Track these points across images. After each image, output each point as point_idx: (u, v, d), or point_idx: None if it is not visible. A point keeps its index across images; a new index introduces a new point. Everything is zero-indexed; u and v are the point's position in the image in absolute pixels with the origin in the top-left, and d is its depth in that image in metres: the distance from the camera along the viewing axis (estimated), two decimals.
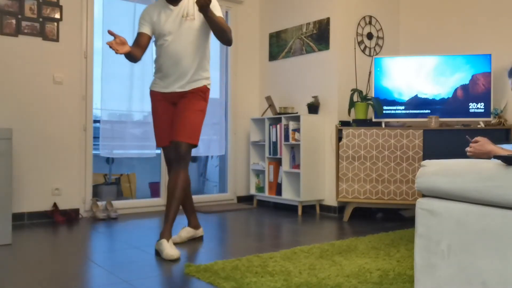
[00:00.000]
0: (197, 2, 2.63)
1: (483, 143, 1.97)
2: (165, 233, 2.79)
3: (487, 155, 2.01)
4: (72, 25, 4.06)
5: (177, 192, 2.85)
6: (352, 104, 4.08)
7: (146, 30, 2.95)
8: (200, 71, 2.98)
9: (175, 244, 2.96)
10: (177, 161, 2.89)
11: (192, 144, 2.90)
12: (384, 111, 4.02)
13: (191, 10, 2.92)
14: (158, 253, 2.75)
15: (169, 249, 2.67)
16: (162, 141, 3.05)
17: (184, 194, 2.99)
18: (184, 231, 3.14)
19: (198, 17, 2.92)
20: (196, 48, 2.94)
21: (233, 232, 3.53)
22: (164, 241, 2.74)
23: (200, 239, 3.22)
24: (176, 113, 2.96)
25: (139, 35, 2.96)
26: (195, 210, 3.24)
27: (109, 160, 5.48)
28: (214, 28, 2.83)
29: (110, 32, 2.68)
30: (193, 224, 3.21)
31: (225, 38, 2.88)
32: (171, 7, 2.93)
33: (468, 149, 2.04)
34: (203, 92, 2.99)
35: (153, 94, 3.05)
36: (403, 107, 4.06)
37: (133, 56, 2.87)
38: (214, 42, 5.02)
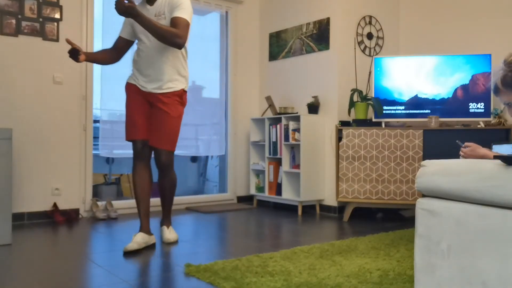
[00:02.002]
0: (117, 7, 2.60)
1: (474, 148, 1.96)
2: (165, 221, 3.16)
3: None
4: (72, 25, 4.06)
5: (168, 191, 3.11)
6: (352, 104, 4.08)
7: (124, 33, 3.04)
8: (175, 74, 2.94)
9: (133, 251, 2.80)
10: (162, 168, 3.01)
11: (172, 151, 2.99)
12: (384, 111, 4.02)
13: (162, 9, 2.88)
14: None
15: (169, 234, 3.07)
16: (134, 135, 2.97)
17: (160, 195, 3.16)
18: (139, 236, 2.88)
19: (168, 16, 2.86)
20: (168, 48, 2.89)
21: (233, 232, 3.53)
22: (164, 227, 3.12)
23: (153, 246, 2.96)
24: (154, 118, 2.94)
25: (118, 38, 3.07)
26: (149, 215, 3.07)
27: (109, 160, 5.47)
28: (150, 33, 2.75)
29: (68, 41, 2.79)
30: (146, 229, 2.97)
31: (166, 42, 2.78)
32: (148, 6, 2.92)
33: (461, 153, 2.04)
34: (179, 96, 2.96)
35: (130, 86, 3.02)
36: (403, 107, 4.06)
37: (100, 61, 3.05)
38: (213, 43, 5.05)
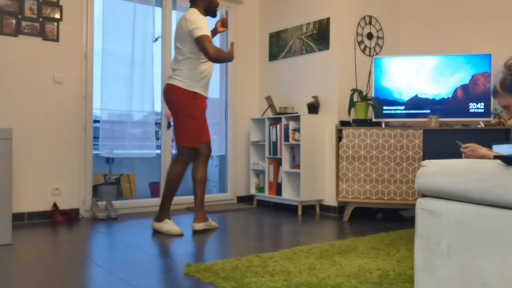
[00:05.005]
0: (225, 25, 3.63)
1: (474, 149, 1.96)
2: (201, 215, 3.50)
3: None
4: (72, 25, 4.06)
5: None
6: (352, 104, 4.08)
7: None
8: None
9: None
10: (208, 157, 3.56)
11: None
12: (384, 111, 4.02)
13: None
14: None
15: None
16: (206, 137, 3.51)
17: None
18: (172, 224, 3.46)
19: None
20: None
21: (233, 232, 3.53)
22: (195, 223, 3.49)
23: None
24: (205, 118, 3.52)
25: (209, 37, 3.36)
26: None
27: (109, 160, 5.47)
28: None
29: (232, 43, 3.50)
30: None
31: None
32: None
33: (462, 153, 2.04)
34: None
35: (201, 97, 3.43)
36: (403, 107, 4.06)
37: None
38: (213, 43, 5.03)
